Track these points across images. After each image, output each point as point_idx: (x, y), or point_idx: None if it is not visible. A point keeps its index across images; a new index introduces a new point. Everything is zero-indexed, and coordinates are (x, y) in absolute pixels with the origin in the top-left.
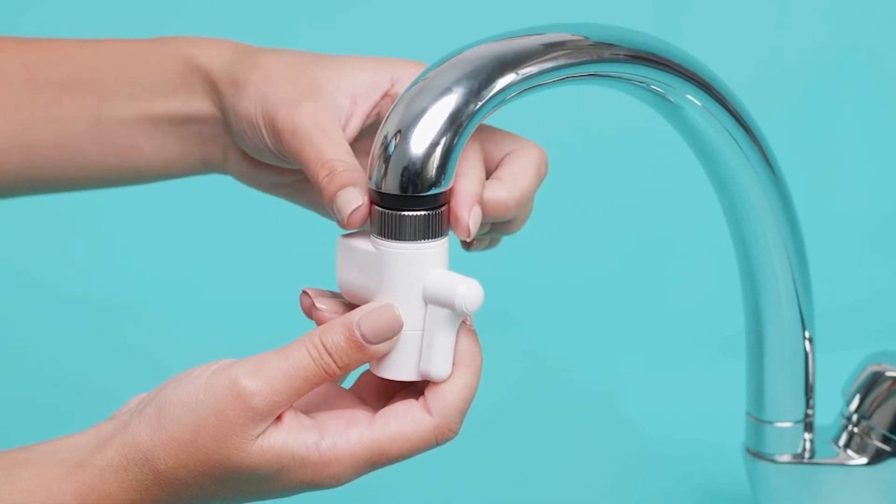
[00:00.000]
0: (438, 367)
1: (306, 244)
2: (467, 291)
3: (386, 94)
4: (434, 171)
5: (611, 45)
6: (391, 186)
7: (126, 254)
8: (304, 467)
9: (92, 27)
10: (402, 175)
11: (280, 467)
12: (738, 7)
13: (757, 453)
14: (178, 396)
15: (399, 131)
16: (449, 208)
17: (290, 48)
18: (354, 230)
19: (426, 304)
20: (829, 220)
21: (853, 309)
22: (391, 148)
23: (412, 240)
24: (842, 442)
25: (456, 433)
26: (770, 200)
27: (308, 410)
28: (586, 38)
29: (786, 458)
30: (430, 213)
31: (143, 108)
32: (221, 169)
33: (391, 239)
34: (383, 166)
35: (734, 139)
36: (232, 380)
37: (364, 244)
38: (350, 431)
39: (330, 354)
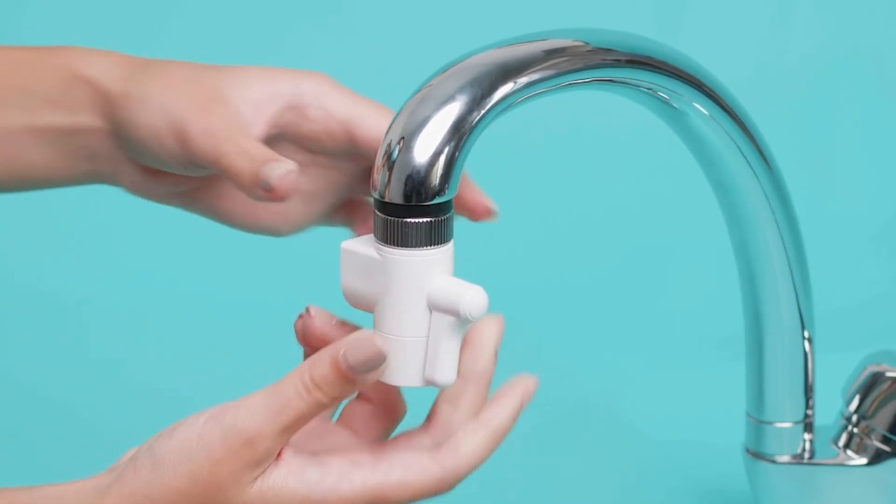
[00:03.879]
0: (443, 373)
1: (308, 246)
2: (472, 299)
3: (289, 106)
4: (438, 180)
5: (612, 50)
6: (395, 196)
7: (125, 253)
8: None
9: (95, 25)
10: (406, 184)
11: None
12: (737, 9)
13: (757, 454)
14: (173, 446)
15: (402, 140)
16: (452, 216)
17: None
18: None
19: (431, 311)
20: (830, 222)
21: (853, 310)
22: (394, 156)
23: (416, 246)
24: (841, 442)
25: (454, 487)
26: (770, 203)
27: (302, 445)
28: (587, 43)
29: (785, 458)
30: (434, 219)
31: (30, 118)
32: (110, 181)
33: (395, 246)
34: (387, 175)
35: (735, 144)
36: (225, 428)
37: (368, 250)
38: (354, 474)
39: (319, 388)
